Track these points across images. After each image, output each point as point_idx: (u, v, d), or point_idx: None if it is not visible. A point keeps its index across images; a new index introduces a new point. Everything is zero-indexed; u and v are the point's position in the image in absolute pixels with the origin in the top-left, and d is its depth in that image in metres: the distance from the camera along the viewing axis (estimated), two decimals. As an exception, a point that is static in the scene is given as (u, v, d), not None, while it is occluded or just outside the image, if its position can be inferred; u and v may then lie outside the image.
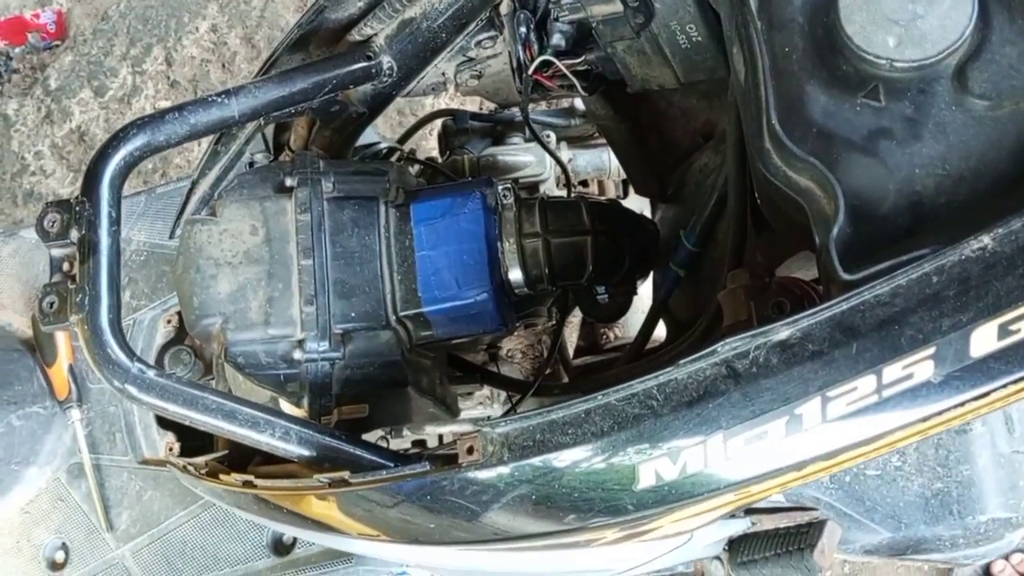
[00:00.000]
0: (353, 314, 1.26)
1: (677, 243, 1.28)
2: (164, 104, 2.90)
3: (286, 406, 1.34)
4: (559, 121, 1.73)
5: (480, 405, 1.63)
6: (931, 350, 0.75)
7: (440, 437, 1.76)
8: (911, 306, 0.76)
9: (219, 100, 1.30)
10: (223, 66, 2.93)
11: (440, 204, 1.30)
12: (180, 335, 1.95)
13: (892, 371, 0.77)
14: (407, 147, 1.68)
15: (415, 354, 1.32)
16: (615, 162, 1.74)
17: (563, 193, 1.64)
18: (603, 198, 1.44)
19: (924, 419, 0.77)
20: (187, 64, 2.94)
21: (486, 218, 1.28)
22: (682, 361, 0.84)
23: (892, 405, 0.78)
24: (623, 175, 1.75)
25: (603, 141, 1.74)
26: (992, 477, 1.23)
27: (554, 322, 1.48)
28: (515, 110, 1.62)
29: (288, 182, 1.29)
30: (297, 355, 1.24)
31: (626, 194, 1.81)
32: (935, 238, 0.79)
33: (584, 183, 1.82)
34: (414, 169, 1.66)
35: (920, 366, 0.76)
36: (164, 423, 1.93)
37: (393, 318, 1.28)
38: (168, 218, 2.03)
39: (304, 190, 1.28)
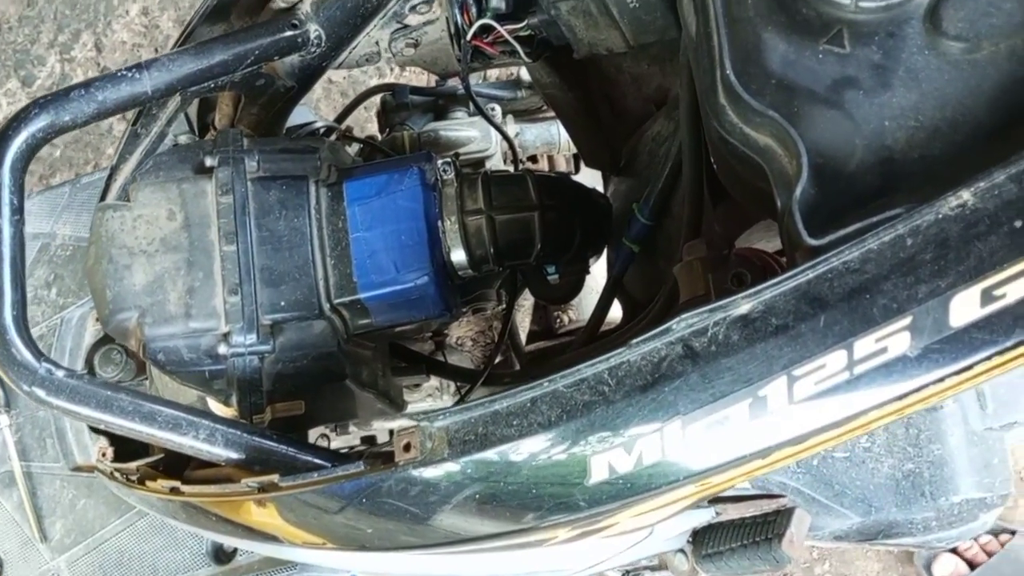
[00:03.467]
0: (283, 303, 1.17)
1: (631, 217, 1.20)
2: (95, 92, 2.77)
3: (214, 405, 1.24)
4: (505, 94, 1.64)
5: (429, 397, 1.54)
6: (907, 320, 0.68)
7: (391, 432, 1.67)
8: (884, 272, 0.68)
9: (130, 75, 1.19)
10: (156, 50, 2.79)
11: (375, 182, 1.20)
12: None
13: (864, 345, 0.69)
14: (344, 125, 1.58)
15: (353, 344, 1.23)
16: (565, 135, 1.65)
17: (511, 169, 1.56)
18: (552, 172, 1.35)
19: (900, 397, 0.70)
20: (118, 49, 2.81)
21: (425, 195, 1.18)
22: (634, 341, 0.76)
23: (865, 383, 0.70)
24: (574, 149, 1.67)
25: (552, 114, 1.66)
26: (965, 456, 1.18)
27: (503, 306, 1.39)
28: (458, 82, 1.52)
29: (208, 162, 1.19)
30: (222, 349, 1.14)
31: (577, 169, 1.73)
32: (909, 197, 0.71)
33: (533, 158, 1.73)
34: (351, 148, 1.56)
35: (895, 339, 0.69)
36: (96, 427, 1.82)
37: (327, 306, 1.18)
38: (93, 209, 1.92)
39: (225, 170, 1.18)
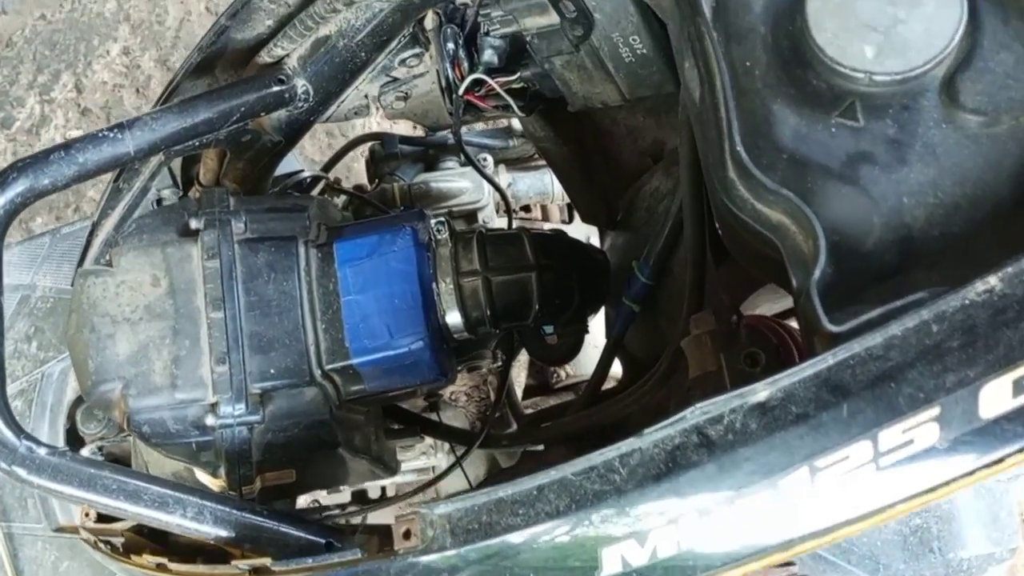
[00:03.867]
0: (272, 371, 1.13)
1: (630, 275, 1.17)
2: (75, 134, 2.72)
3: (202, 476, 1.19)
4: (496, 143, 1.61)
5: (423, 455, 1.50)
6: (935, 411, 0.65)
7: (383, 489, 1.63)
8: (909, 360, 0.65)
9: (111, 135, 1.15)
10: (137, 91, 2.75)
11: (366, 242, 1.16)
12: (93, 388, 1.79)
13: (890, 436, 0.66)
14: (332, 175, 1.54)
15: (345, 410, 1.18)
16: (559, 185, 1.62)
17: (503, 221, 1.52)
18: (547, 227, 1.32)
19: (929, 490, 0.67)
20: (99, 90, 2.76)
21: (418, 256, 1.15)
22: (647, 430, 0.72)
23: (892, 475, 0.67)
24: (568, 199, 1.64)
25: (544, 162, 1.63)
26: (973, 510, 1.16)
27: (500, 364, 1.36)
28: (447, 133, 1.49)
29: (193, 224, 1.15)
30: (210, 420, 1.10)
31: (571, 219, 1.70)
32: (929, 276, 0.68)
33: (526, 208, 1.70)
34: (339, 200, 1.52)
35: (923, 429, 0.65)
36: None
37: (318, 372, 1.14)
38: (75, 260, 1.87)
39: (211, 233, 1.14)
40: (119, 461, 1.53)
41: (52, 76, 2.78)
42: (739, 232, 0.82)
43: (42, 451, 1.03)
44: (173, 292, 1.12)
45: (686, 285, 1.04)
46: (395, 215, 1.23)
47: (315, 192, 1.64)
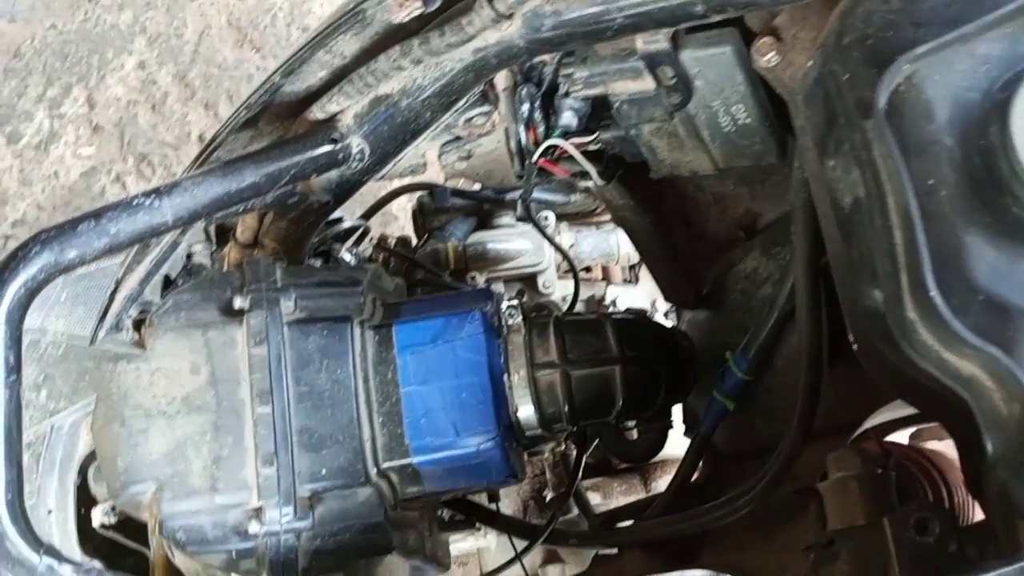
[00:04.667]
0: (324, 471, 1.01)
1: (724, 368, 1.05)
2: (86, 151, 2.59)
3: (239, 582, 1.07)
4: (557, 198, 1.48)
5: (471, 536, 1.38)
6: None
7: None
8: None
9: (147, 202, 1.02)
10: (153, 108, 2.62)
11: (430, 326, 1.04)
12: (107, 442, 1.67)
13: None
14: (379, 235, 1.42)
15: (400, 509, 1.06)
16: (624, 245, 1.50)
17: (564, 284, 1.40)
18: (626, 310, 1.19)
19: None
20: (112, 106, 2.63)
21: (488, 344, 1.03)
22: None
23: None
24: (632, 259, 1.52)
25: (608, 218, 1.51)
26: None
27: (562, 447, 1.24)
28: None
29: (238, 303, 1.03)
30: (254, 527, 0.98)
31: (636, 278, 1.57)
32: None
33: (587, 268, 1.58)
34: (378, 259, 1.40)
35: None
36: (89, 543, 1.66)
37: (374, 471, 1.02)
38: (90, 303, 1.75)
39: (258, 314, 1.02)
40: (133, 524, 1.41)
41: (63, 90, 2.65)
42: (902, 370, 0.70)
43: (66, 569, 0.91)
44: (215, 382, 1.00)
45: (799, 389, 0.92)
46: (460, 293, 1.12)
47: (352, 243, 1.52)
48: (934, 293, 0.60)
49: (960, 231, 0.63)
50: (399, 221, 2.42)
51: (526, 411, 1.03)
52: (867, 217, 0.68)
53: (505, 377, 1.03)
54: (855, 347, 0.81)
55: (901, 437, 1.09)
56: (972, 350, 0.60)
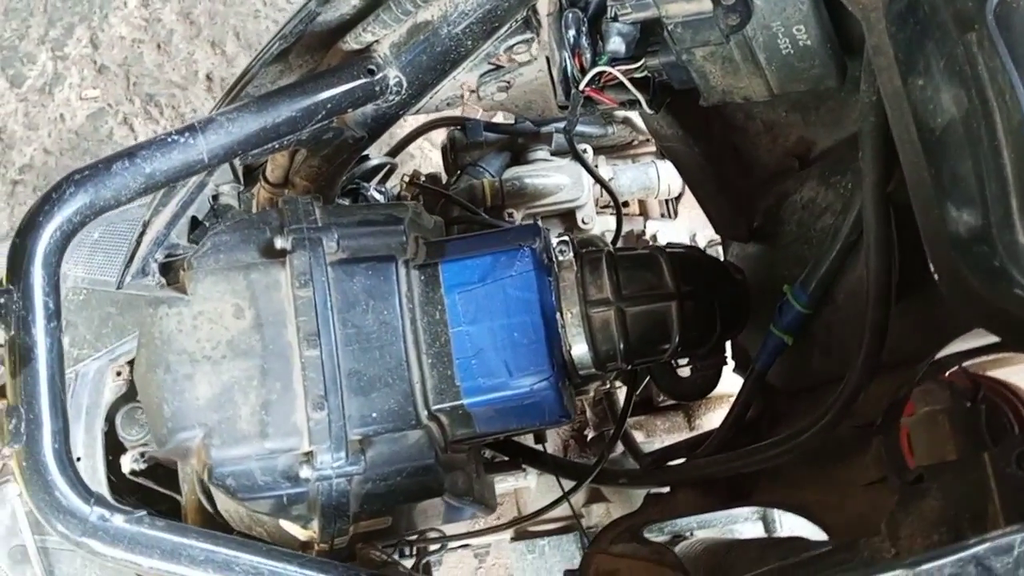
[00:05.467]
0: (374, 414, 0.98)
1: (782, 302, 1.01)
2: (91, 93, 2.52)
3: (289, 526, 1.05)
4: (594, 130, 1.43)
5: (511, 476, 1.36)
6: None
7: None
8: None
9: (182, 139, 0.99)
10: (158, 47, 2.55)
11: (478, 264, 1.01)
12: (133, 388, 1.64)
13: None
14: (412, 172, 1.37)
15: (450, 451, 1.04)
16: (664, 178, 1.45)
17: (603, 219, 1.36)
18: (679, 245, 1.15)
19: None
20: (116, 45, 2.56)
21: (539, 282, 1.00)
22: (912, 559, 0.58)
23: None
24: (673, 192, 1.47)
25: (645, 151, 1.46)
26: None
27: (607, 386, 1.21)
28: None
29: (279, 243, 0.99)
30: (305, 472, 0.96)
31: (674, 213, 1.53)
32: None
33: (624, 203, 1.53)
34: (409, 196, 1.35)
35: None
36: (118, 490, 1.64)
37: (424, 414, 1.00)
38: (110, 247, 1.71)
39: (302, 255, 0.98)
40: (162, 469, 1.39)
41: (65, 30, 2.57)
42: (990, 298, 0.66)
43: (118, 519, 0.89)
44: (260, 325, 0.97)
45: (866, 325, 0.88)
46: (506, 230, 1.08)
47: (378, 181, 1.48)
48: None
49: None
50: (415, 160, 2.36)
51: (580, 350, 1.00)
52: (967, 137, 0.64)
53: (557, 315, 1.00)
54: (936, 277, 0.77)
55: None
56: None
